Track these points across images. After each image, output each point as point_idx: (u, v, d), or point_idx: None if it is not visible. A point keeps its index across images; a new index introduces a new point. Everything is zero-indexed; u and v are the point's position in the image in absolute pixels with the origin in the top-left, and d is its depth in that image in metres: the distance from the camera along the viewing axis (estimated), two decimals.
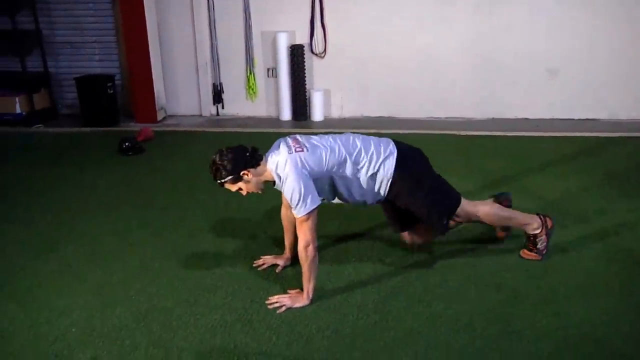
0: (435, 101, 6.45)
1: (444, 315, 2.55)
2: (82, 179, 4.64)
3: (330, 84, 6.62)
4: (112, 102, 6.51)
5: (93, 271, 3.05)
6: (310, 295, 2.65)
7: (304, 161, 2.58)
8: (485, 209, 2.92)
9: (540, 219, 3.00)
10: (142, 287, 2.87)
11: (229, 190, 2.70)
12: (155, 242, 3.40)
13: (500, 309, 2.59)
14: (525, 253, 3.04)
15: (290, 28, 6.46)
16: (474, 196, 3.88)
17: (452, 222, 2.93)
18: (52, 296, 2.81)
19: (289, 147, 2.63)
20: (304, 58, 6.41)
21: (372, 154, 2.72)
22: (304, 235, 2.56)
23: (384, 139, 2.84)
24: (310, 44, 6.48)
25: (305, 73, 6.46)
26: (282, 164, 2.57)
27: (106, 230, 3.58)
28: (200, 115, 6.94)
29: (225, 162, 2.60)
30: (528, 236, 3.01)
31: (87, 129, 6.33)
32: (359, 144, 2.74)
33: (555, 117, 6.28)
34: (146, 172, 4.80)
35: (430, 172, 2.87)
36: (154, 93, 6.50)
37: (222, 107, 6.89)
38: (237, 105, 6.86)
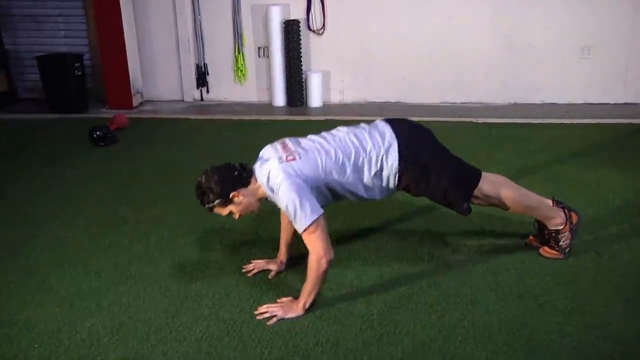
0: (450, 84, 6.46)
1: (460, 327, 2.57)
2: (48, 173, 4.64)
3: (329, 65, 6.62)
4: (80, 85, 6.52)
5: (60, 278, 3.06)
6: (307, 307, 2.67)
7: (297, 170, 2.60)
8: (510, 192, 2.95)
9: (565, 213, 3.02)
10: (117, 296, 2.88)
11: (220, 215, 2.77)
12: (131, 244, 3.41)
13: (524, 320, 2.60)
14: (546, 251, 3.07)
15: (284, 1, 6.47)
16: None
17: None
18: (11, 308, 2.81)
19: (279, 156, 2.66)
20: (299, 35, 6.42)
21: (371, 150, 2.74)
22: (314, 248, 2.57)
23: (380, 125, 2.85)
24: (307, 19, 6.49)
25: (301, 52, 6.47)
26: (273, 176, 2.60)
27: (75, 231, 3.59)
28: (182, 101, 6.95)
29: (212, 184, 2.65)
30: (550, 232, 3.04)
31: (52, 116, 6.34)
32: (355, 141, 2.76)
33: (589, 101, 6.30)
34: (120, 165, 4.81)
35: (438, 154, 2.89)
36: (128, 75, 6.51)
37: (207, 92, 6.91)
38: (223, 89, 6.87)
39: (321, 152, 2.69)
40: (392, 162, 2.74)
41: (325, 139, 2.78)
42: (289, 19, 6.42)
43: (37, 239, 3.51)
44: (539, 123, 5.66)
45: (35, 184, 4.41)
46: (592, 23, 6.11)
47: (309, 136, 2.83)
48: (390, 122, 2.88)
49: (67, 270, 3.13)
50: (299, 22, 6.40)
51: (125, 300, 2.84)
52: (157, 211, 3.84)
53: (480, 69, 6.37)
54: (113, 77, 6.51)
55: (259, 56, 6.74)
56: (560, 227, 3.01)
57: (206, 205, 2.71)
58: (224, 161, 2.81)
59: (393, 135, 2.78)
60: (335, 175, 2.69)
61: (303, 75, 6.55)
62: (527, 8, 6.14)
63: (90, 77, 6.88)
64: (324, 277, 2.63)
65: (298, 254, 3.00)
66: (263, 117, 6.16)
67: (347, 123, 5.86)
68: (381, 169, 2.75)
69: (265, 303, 2.74)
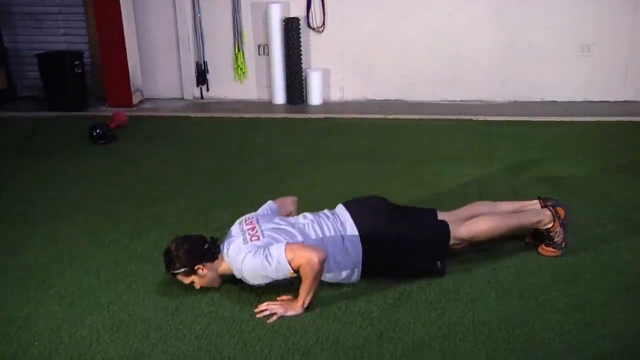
0: (450, 82, 6.45)
1: (460, 325, 2.57)
2: (47, 170, 4.64)
3: (329, 62, 6.62)
4: (80, 82, 6.52)
5: (60, 277, 3.06)
6: (306, 305, 2.67)
7: (259, 247, 2.66)
8: (486, 224, 2.97)
9: (550, 211, 3.04)
10: (116, 294, 2.89)
11: (182, 283, 2.81)
12: (131, 242, 3.41)
13: (524, 317, 2.60)
14: (544, 249, 3.08)
15: None
16: (497, 190, 3.91)
17: (458, 247, 2.99)
18: (11, 306, 2.81)
19: (244, 237, 2.73)
20: (299, 33, 6.41)
21: (334, 241, 2.78)
22: (301, 260, 2.57)
23: (341, 214, 2.91)
24: (307, 17, 6.48)
25: (301, 50, 6.46)
26: (239, 259, 2.67)
27: (75, 230, 3.59)
28: (182, 99, 6.95)
29: (180, 254, 2.73)
30: (542, 232, 3.06)
31: (52, 114, 6.34)
32: (318, 230, 2.82)
33: (589, 99, 6.29)
34: (120, 163, 4.82)
35: (402, 225, 2.89)
36: (128, 73, 6.50)
37: (207, 89, 6.90)
38: (223, 87, 6.86)
39: (284, 233, 2.76)
40: (355, 253, 2.79)
41: (290, 224, 2.85)
42: (288, 16, 6.41)
43: (36, 236, 3.51)
44: (538, 121, 5.65)
45: (35, 182, 4.41)
46: (593, 21, 6.09)
47: (276, 219, 2.90)
48: (349, 208, 2.94)
49: (67, 268, 3.14)
50: (299, 20, 6.39)
51: (125, 298, 2.85)
52: (157, 209, 3.84)
53: (481, 67, 6.36)
54: (113, 75, 6.51)
55: (259, 54, 6.74)
56: (550, 226, 3.03)
57: (170, 271, 2.77)
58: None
59: (354, 226, 2.84)
60: None
61: (303, 73, 6.55)
62: (527, 6, 6.13)
63: (90, 75, 6.87)
64: (320, 276, 2.64)
65: None
66: (263, 115, 6.15)
67: (347, 121, 5.89)
68: (344, 257, 2.78)
69: (265, 301, 2.74)
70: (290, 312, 2.65)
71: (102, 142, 5.25)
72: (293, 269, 2.59)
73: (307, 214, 2.97)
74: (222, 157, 4.90)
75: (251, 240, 2.71)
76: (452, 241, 2.92)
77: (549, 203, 3.09)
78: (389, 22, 6.36)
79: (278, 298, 2.76)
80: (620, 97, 6.24)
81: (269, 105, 6.66)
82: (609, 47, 6.14)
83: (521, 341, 2.45)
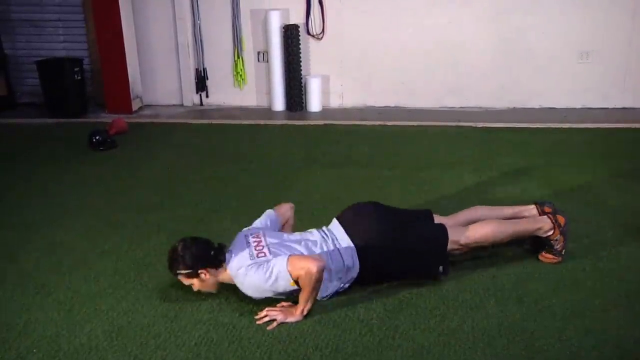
0: (449, 89, 6.47)
1: (459, 331, 2.57)
2: (47, 177, 4.64)
3: (329, 69, 6.63)
4: (79, 89, 6.52)
5: (59, 283, 3.05)
6: (305, 313, 2.67)
7: (263, 262, 2.66)
8: (485, 230, 2.96)
9: (550, 218, 3.04)
10: (116, 300, 2.88)
11: (182, 284, 2.81)
12: (130, 248, 3.41)
13: (524, 324, 2.60)
14: (544, 256, 3.09)
15: (284, 6, 6.48)
16: (497, 196, 3.91)
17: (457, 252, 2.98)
18: (10, 312, 2.81)
19: (250, 251, 2.72)
20: (299, 40, 6.42)
21: (338, 262, 2.79)
22: (300, 270, 2.57)
23: (336, 229, 2.92)
24: (307, 24, 6.50)
25: (300, 57, 6.47)
26: (242, 272, 2.67)
27: (74, 236, 3.59)
28: (182, 105, 6.95)
29: (187, 256, 2.70)
30: (542, 239, 3.06)
31: (51, 121, 6.34)
32: (323, 246, 2.83)
33: (587, 106, 6.31)
34: (119, 169, 4.81)
35: (399, 234, 2.88)
36: (128, 79, 6.51)
37: (207, 96, 6.91)
38: (223, 93, 6.87)
39: (290, 250, 2.76)
40: (353, 268, 2.81)
41: (297, 240, 2.85)
42: (288, 23, 6.42)
43: (36, 243, 3.51)
44: (537, 127, 5.66)
45: (34, 189, 4.41)
46: (591, 28, 6.11)
47: (284, 235, 2.91)
48: (343, 221, 2.95)
49: (66, 275, 3.13)
50: (298, 27, 6.40)
51: (124, 304, 2.84)
52: (156, 216, 3.84)
53: (479, 74, 6.37)
54: (112, 82, 6.51)
55: (259, 61, 6.75)
56: (550, 234, 3.03)
57: (173, 271, 2.75)
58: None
59: (349, 241, 2.85)
60: None
61: (302, 80, 6.56)
62: (526, 13, 6.15)
63: (90, 82, 6.88)
64: (319, 285, 2.64)
65: None
66: (262, 122, 6.16)
67: (346, 128, 5.88)
68: (345, 273, 2.81)
69: (265, 307, 2.74)
70: (290, 319, 2.65)
71: (101, 148, 5.25)
72: (293, 280, 2.60)
73: (313, 230, 2.97)
74: (221, 163, 4.90)
75: (257, 256, 2.70)
76: (450, 245, 2.91)
77: (547, 209, 3.10)
78: (388, 29, 6.38)
79: (278, 305, 2.75)
80: (619, 104, 6.26)
81: (268, 111, 6.67)
82: (608, 54, 6.15)
83: (521, 348, 2.45)
